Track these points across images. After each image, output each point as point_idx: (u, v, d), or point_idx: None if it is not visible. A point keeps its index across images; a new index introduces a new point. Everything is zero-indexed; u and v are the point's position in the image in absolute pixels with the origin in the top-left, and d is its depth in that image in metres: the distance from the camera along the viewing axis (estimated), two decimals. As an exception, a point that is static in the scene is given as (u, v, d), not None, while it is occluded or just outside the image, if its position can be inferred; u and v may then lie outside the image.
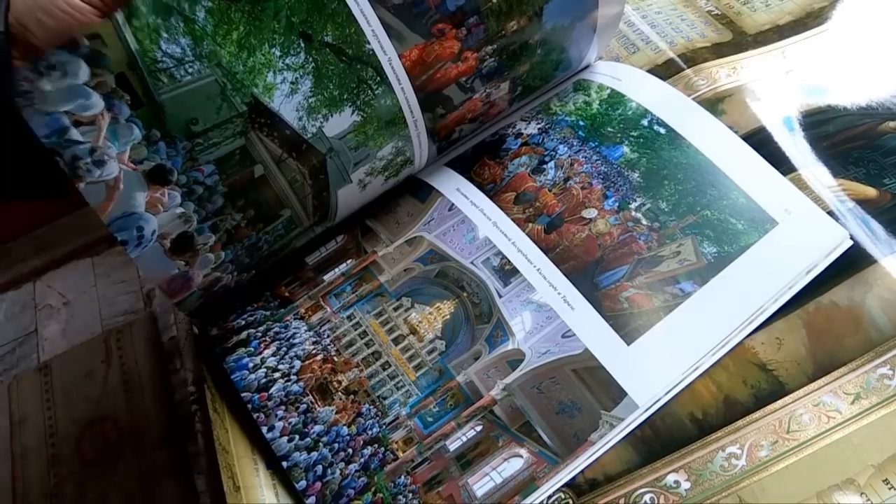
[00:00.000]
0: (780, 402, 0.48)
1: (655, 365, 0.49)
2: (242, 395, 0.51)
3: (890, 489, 0.44)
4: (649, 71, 0.64)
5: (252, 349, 0.54)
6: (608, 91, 0.62)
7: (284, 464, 0.49)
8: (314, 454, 0.50)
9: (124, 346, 1.18)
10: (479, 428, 0.51)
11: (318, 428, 0.51)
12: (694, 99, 0.60)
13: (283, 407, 0.51)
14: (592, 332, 0.51)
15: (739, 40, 0.65)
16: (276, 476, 0.50)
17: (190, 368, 0.53)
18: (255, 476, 0.48)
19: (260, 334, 0.55)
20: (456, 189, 0.59)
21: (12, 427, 1.21)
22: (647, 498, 0.46)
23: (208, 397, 0.50)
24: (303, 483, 0.48)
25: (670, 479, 0.46)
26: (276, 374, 0.53)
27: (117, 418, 1.20)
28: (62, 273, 1.38)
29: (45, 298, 1.36)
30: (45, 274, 1.44)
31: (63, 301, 1.32)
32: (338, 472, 0.49)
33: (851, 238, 0.51)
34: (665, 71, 0.64)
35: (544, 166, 0.59)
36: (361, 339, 0.56)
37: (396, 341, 0.55)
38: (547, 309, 0.53)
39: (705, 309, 0.51)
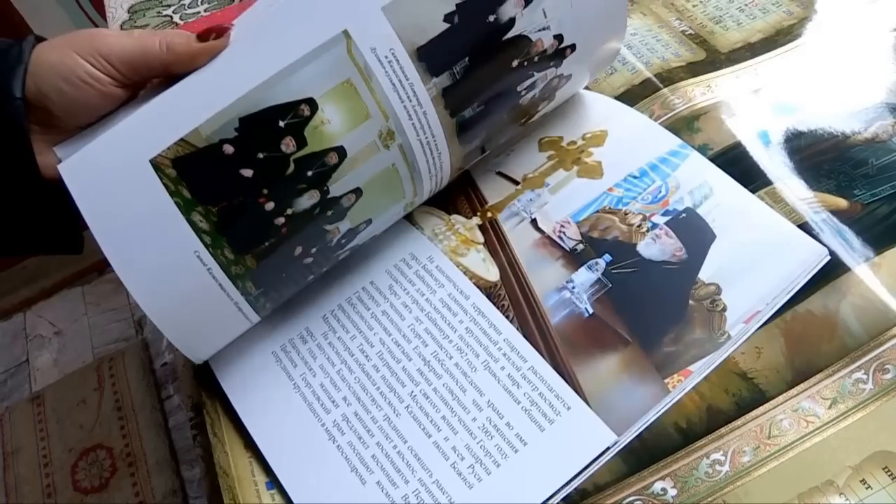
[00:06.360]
0: (760, 409, 0.49)
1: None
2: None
3: (867, 489, 0.45)
4: (626, 91, 0.66)
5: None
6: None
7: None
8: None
9: (117, 373, 1.19)
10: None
11: None
12: (671, 117, 0.62)
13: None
14: None
15: (713, 59, 0.68)
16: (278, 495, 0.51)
17: (188, 394, 0.54)
18: (256, 497, 0.50)
19: None
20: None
21: (6, 458, 1.22)
22: (635, 506, 0.48)
23: (207, 422, 0.51)
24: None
25: (657, 486, 0.48)
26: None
27: (112, 446, 1.22)
28: (52, 303, 1.39)
29: (35, 329, 1.37)
30: (34, 304, 1.46)
31: (54, 331, 1.33)
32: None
33: (830, 252, 0.53)
34: (642, 91, 0.66)
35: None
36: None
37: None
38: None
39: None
